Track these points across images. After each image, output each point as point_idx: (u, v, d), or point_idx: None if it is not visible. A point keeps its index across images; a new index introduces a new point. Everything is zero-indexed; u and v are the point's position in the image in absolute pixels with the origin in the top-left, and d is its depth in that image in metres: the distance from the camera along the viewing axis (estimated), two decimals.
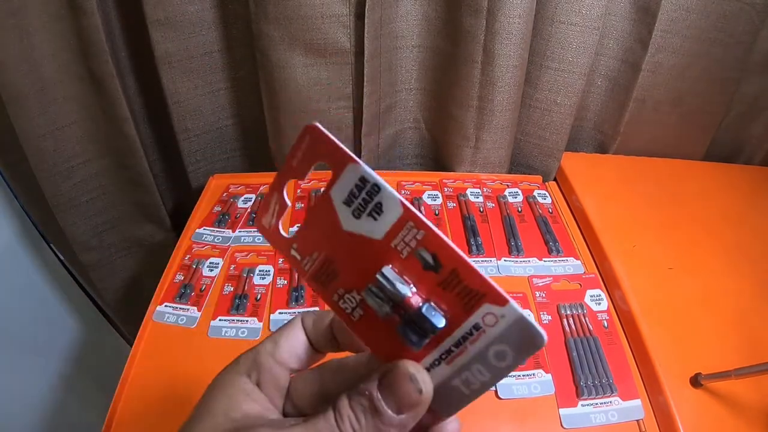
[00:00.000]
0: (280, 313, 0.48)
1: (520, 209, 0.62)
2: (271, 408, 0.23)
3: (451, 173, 0.67)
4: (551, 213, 0.62)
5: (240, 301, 0.49)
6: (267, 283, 0.52)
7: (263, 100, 0.62)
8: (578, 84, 0.60)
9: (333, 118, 0.62)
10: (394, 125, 0.69)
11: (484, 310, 0.18)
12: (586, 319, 0.49)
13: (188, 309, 0.49)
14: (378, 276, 0.20)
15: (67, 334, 0.77)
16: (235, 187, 0.64)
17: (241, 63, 0.64)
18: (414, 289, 0.19)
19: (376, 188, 0.19)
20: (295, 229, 0.23)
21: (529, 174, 0.69)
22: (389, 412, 0.19)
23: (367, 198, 0.19)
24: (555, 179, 0.68)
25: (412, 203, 0.62)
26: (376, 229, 0.20)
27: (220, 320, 0.48)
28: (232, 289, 0.51)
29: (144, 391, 0.42)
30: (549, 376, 0.44)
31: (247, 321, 0.48)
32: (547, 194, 0.65)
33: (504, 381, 0.43)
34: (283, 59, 0.56)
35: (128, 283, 0.77)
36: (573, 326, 0.48)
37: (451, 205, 0.62)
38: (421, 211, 0.60)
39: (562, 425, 0.41)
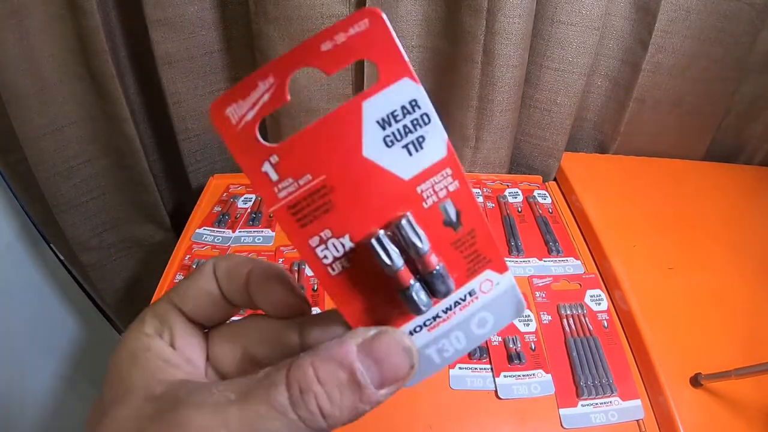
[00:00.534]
0: None
1: (520, 209, 0.62)
2: (194, 372, 0.19)
3: None
4: (551, 213, 0.62)
5: None
6: None
7: None
8: (578, 84, 0.60)
9: None
10: None
11: (485, 276, 0.18)
12: (586, 319, 0.48)
13: None
14: (402, 222, 0.16)
15: (67, 334, 0.77)
16: (235, 187, 0.64)
17: (240, 63, 0.64)
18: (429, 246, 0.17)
19: (426, 118, 0.16)
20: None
21: (529, 174, 0.69)
22: (372, 387, 0.16)
23: (409, 127, 0.16)
24: (555, 179, 0.68)
25: None
26: (406, 165, 0.16)
27: None
28: None
29: None
30: (549, 376, 0.44)
31: None
32: (547, 194, 0.65)
33: (504, 381, 0.43)
34: None
35: (128, 283, 0.77)
36: (573, 326, 0.48)
37: None
38: None
39: (562, 425, 0.41)
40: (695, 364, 0.43)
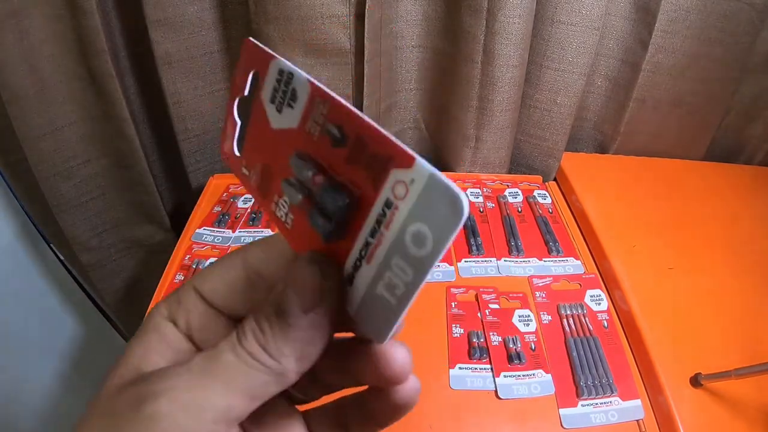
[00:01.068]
0: None
1: (520, 209, 0.62)
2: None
3: (451, 173, 0.67)
4: (551, 213, 0.62)
5: None
6: None
7: None
8: (578, 84, 0.60)
9: None
10: (394, 125, 0.69)
11: (393, 178, 0.15)
12: (586, 319, 0.49)
13: None
14: (290, 163, 0.18)
15: (67, 334, 0.77)
16: (235, 187, 0.64)
17: None
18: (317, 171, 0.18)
19: (290, 76, 0.18)
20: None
21: (529, 174, 0.69)
22: (295, 308, 0.16)
23: (284, 89, 0.19)
24: (555, 179, 0.68)
25: None
26: (293, 117, 0.18)
27: None
28: None
29: None
30: (549, 376, 0.44)
31: None
32: (547, 194, 0.65)
33: (504, 381, 0.43)
34: None
35: (128, 283, 0.77)
36: (573, 326, 0.48)
37: None
38: None
39: (562, 425, 0.41)
40: (695, 364, 0.43)
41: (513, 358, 0.45)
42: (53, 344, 0.75)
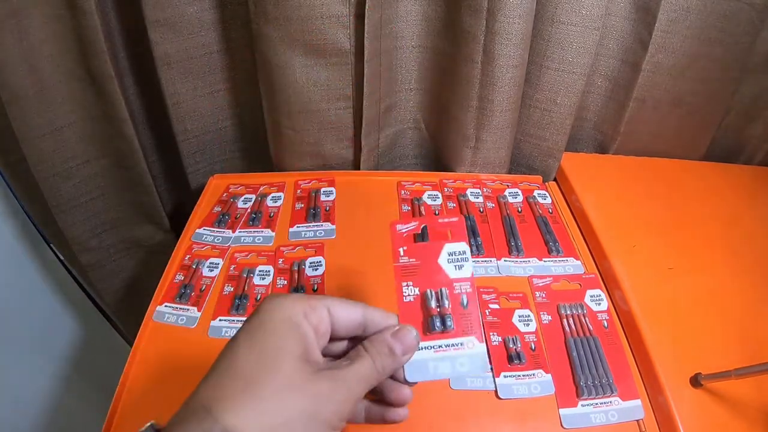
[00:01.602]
0: None
1: (520, 209, 0.62)
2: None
3: (451, 173, 0.67)
4: (551, 213, 0.62)
5: (240, 302, 0.49)
6: (267, 283, 0.52)
7: (263, 101, 0.62)
8: (578, 84, 0.60)
9: (333, 118, 0.62)
10: (394, 125, 0.69)
11: (471, 339, 0.33)
12: (586, 319, 0.49)
13: (188, 309, 0.49)
14: (442, 290, 0.34)
15: (67, 334, 0.77)
16: (235, 187, 0.64)
17: (240, 64, 0.64)
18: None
19: (466, 257, 0.35)
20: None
21: (529, 174, 0.69)
22: (399, 354, 0.30)
23: (459, 258, 0.35)
24: (555, 179, 0.68)
25: (412, 203, 0.62)
26: (452, 271, 0.34)
27: (220, 320, 0.48)
28: (232, 289, 0.51)
29: (144, 391, 0.42)
30: (549, 377, 0.44)
31: None
32: (547, 194, 0.65)
33: (504, 381, 0.43)
34: (282, 60, 0.56)
35: (128, 283, 0.77)
36: (573, 326, 0.48)
37: (451, 205, 0.62)
38: (421, 212, 0.61)
39: (562, 425, 0.41)
40: (695, 364, 0.43)
41: (513, 358, 0.45)
42: (53, 344, 0.75)
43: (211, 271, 0.53)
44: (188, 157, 0.68)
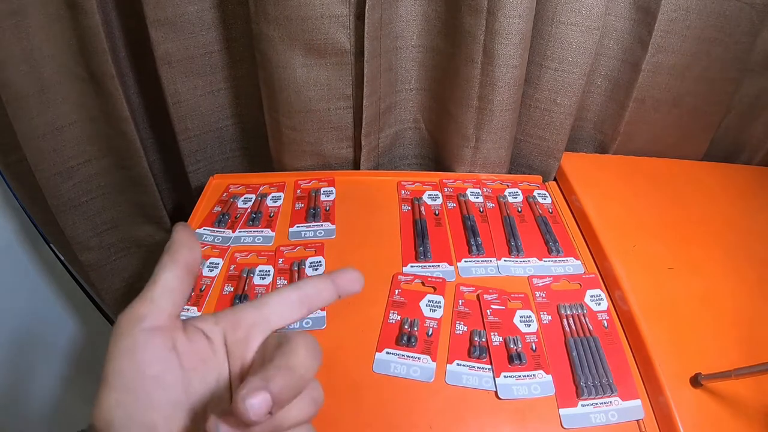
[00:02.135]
0: None
1: (520, 209, 0.62)
2: None
3: (451, 173, 0.67)
4: (551, 213, 0.62)
5: (240, 301, 0.49)
6: (267, 283, 0.52)
7: (263, 101, 0.62)
8: (578, 84, 0.60)
9: (333, 118, 0.62)
10: (394, 125, 0.69)
11: (426, 357, 0.44)
12: (586, 319, 0.49)
13: (188, 309, 0.49)
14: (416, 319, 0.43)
15: (67, 334, 0.77)
16: (235, 187, 0.64)
17: (240, 63, 0.64)
18: None
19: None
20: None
21: (529, 174, 0.69)
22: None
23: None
24: (555, 179, 0.68)
25: (412, 203, 0.62)
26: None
27: None
28: (232, 289, 0.51)
29: None
30: (549, 377, 0.44)
31: None
32: (547, 194, 0.65)
33: (504, 381, 0.43)
34: (282, 59, 0.56)
35: (128, 283, 0.77)
36: (573, 326, 0.48)
37: (451, 205, 0.62)
38: (421, 212, 0.61)
39: (562, 425, 0.41)
40: (695, 364, 0.43)
41: (513, 359, 0.45)
42: (53, 344, 0.75)
43: (211, 271, 0.53)
44: (188, 156, 0.68)
